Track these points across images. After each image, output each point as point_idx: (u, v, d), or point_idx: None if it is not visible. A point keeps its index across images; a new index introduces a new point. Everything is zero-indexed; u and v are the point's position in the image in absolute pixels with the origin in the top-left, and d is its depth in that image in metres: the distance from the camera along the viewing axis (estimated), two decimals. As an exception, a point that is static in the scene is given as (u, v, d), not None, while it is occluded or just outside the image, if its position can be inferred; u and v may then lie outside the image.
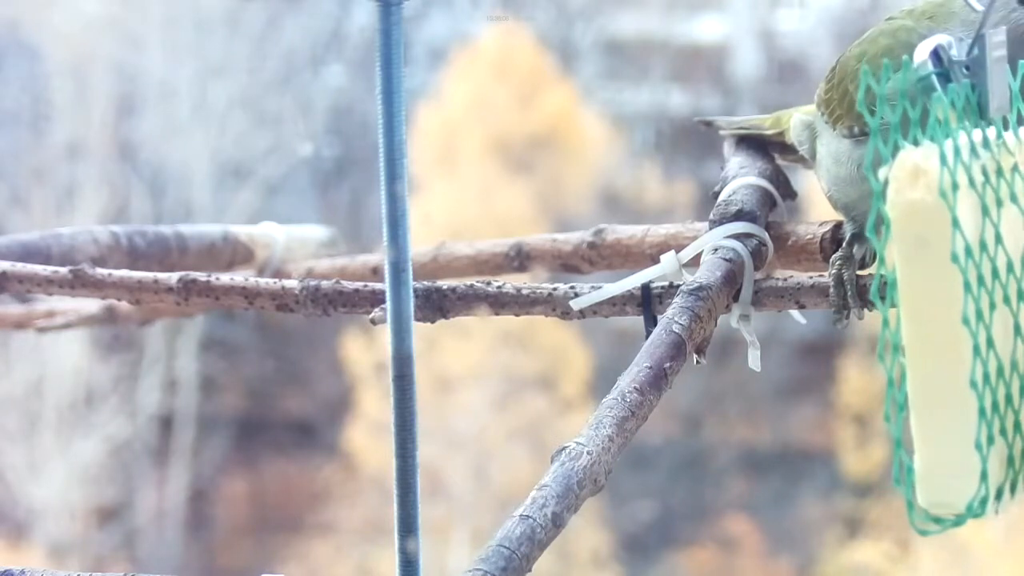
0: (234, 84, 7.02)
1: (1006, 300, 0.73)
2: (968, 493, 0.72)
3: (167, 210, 6.79)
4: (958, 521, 0.73)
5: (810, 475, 6.72)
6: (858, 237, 1.03)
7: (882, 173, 0.73)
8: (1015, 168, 0.75)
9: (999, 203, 0.74)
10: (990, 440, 0.72)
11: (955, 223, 0.71)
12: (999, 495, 0.74)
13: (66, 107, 6.83)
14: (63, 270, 1.12)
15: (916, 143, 0.73)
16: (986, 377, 0.72)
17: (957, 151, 0.73)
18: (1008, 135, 0.75)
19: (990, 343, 0.72)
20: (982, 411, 0.72)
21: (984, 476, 0.72)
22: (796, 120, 1.13)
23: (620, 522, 6.38)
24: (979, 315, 0.72)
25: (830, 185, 1.05)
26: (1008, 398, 0.73)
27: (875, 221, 0.72)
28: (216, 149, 6.98)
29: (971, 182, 0.73)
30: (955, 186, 0.72)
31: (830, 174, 1.05)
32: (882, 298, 0.73)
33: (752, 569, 6.53)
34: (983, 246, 0.73)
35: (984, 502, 0.73)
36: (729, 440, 6.85)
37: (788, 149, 1.16)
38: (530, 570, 0.74)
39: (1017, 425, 0.74)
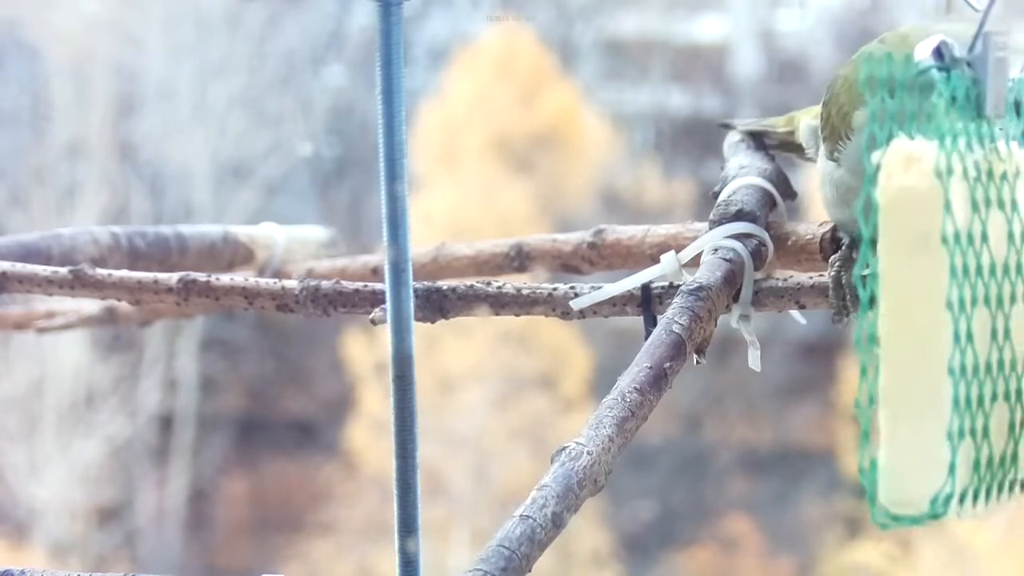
0: (234, 84, 7.02)
1: (987, 301, 0.73)
2: (931, 491, 0.72)
3: (167, 210, 6.80)
4: (918, 519, 0.72)
5: (810, 475, 6.72)
6: (857, 238, 1.03)
7: (875, 158, 0.73)
8: (1004, 176, 0.75)
9: (988, 203, 0.74)
10: (961, 434, 0.72)
11: (947, 207, 0.71)
12: (962, 498, 0.73)
13: (66, 107, 6.83)
14: (63, 271, 1.11)
15: (911, 137, 0.73)
16: (963, 368, 0.72)
17: (954, 137, 0.73)
18: (1000, 143, 0.75)
19: (970, 335, 0.72)
20: (956, 401, 0.72)
21: (952, 469, 0.71)
22: (804, 124, 1.13)
23: (620, 522, 6.39)
24: (962, 303, 0.72)
25: (823, 199, 1.05)
26: (980, 399, 0.73)
27: (864, 206, 0.72)
28: (216, 149, 6.99)
29: (964, 172, 0.73)
30: (950, 171, 0.72)
31: (821, 190, 1.05)
32: (864, 287, 0.72)
33: (752, 569, 6.54)
34: (970, 238, 0.72)
35: (948, 500, 0.72)
36: (729, 440, 6.85)
37: (795, 147, 1.16)
38: (530, 570, 0.74)
39: (986, 430, 0.73)
